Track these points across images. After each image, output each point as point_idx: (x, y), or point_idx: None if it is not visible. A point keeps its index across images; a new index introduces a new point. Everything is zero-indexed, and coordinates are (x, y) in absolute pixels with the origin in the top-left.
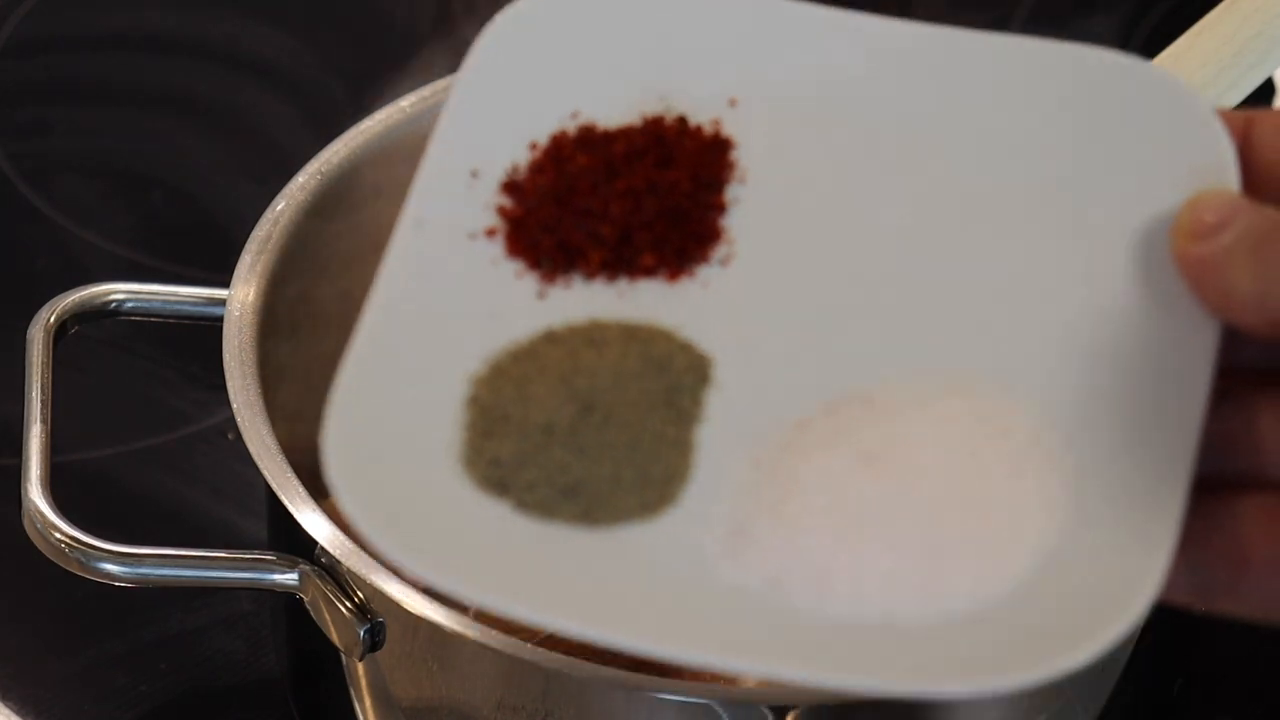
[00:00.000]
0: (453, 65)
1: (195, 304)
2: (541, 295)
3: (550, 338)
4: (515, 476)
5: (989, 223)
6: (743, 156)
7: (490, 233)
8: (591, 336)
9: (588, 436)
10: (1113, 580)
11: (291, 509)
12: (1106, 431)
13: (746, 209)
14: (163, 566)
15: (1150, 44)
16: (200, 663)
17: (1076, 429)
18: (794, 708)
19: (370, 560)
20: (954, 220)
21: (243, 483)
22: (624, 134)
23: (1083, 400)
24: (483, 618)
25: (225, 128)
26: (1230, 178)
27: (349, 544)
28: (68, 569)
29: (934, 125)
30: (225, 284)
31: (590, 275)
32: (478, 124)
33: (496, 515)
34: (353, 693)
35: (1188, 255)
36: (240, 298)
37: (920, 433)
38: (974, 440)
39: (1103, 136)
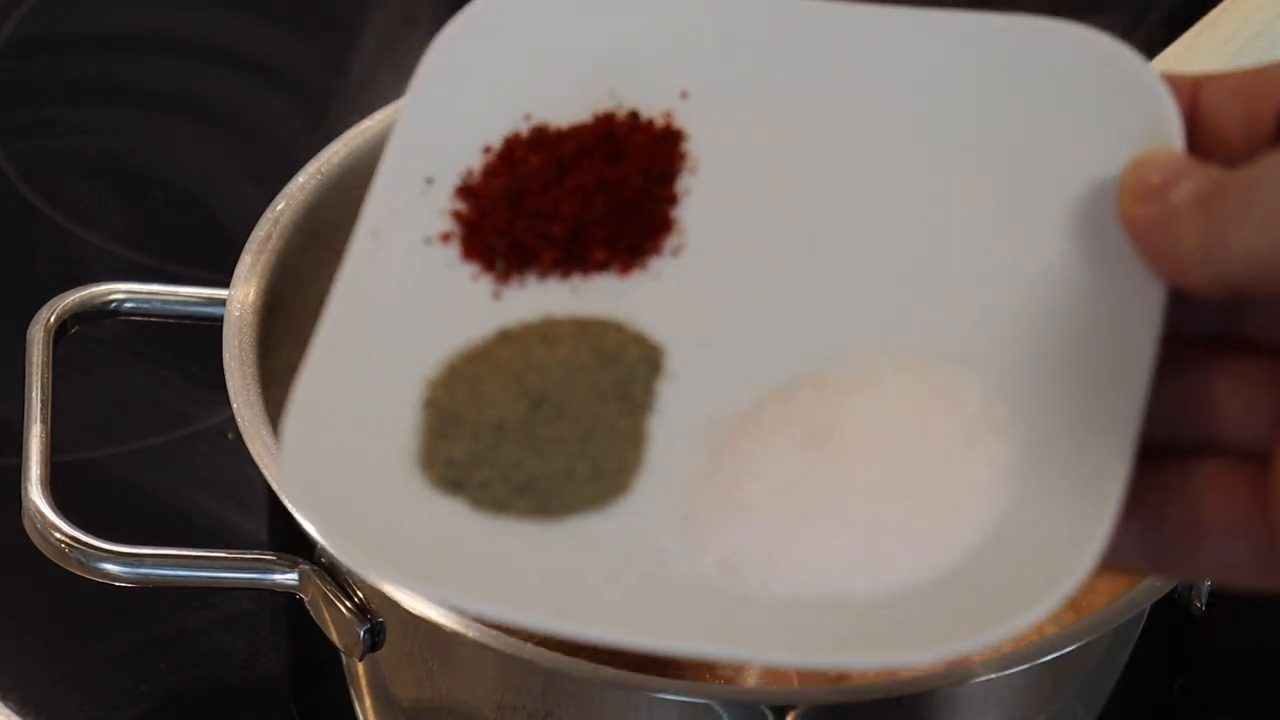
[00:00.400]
0: None
1: (195, 304)
2: (496, 296)
3: (504, 337)
4: (470, 475)
5: (936, 199)
6: (694, 147)
7: (445, 238)
8: (545, 334)
9: (539, 431)
10: (1060, 544)
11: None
12: (1054, 399)
13: (698, 199)
14: (163, 566)
15: (1150, 44)
16: (200, 663)
17: (1025, 400)
18: (794, 707)
19: None
20: (901, 199)
21: (243, 482)
22: (575, 132)
23: (1031, 369)
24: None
25: (226, 128)
26: (1175, 140)
27: None
28: (68, 569)
29: (878, 106)
30: (225, 284)
31: (544, 274)
32: (431, 131)
33: (452, 514)
34: (353, 693)
35: (1133, 216)
36: (240, 298)
37: (872, 412)
38: (925, 416)
39: (1047, 104)
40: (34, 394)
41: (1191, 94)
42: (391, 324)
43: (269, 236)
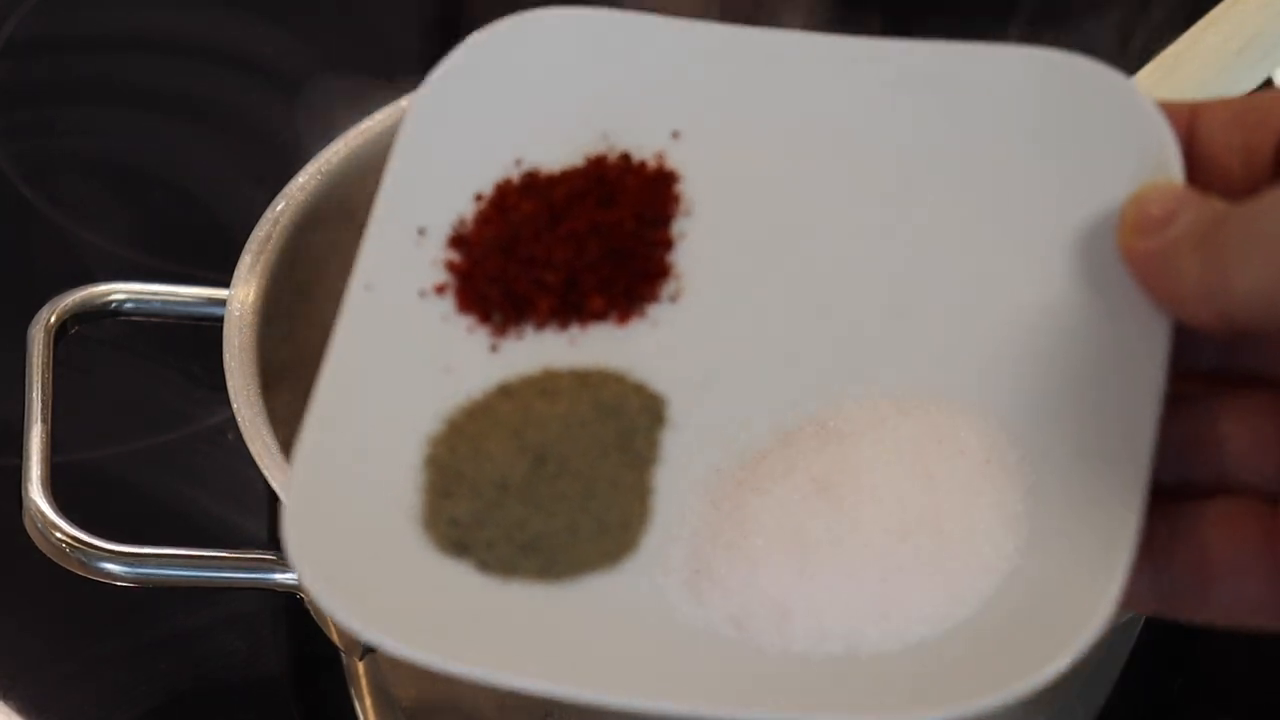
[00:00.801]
0: None
1: (196, 304)
2: (494, 348)
3: (504, 391)
4: (474, 536)
5: (935, 235)
6: (688, 188)
7: (440, 289)
8: (544, 387)
9: (542, 489)
10: (1074, 594)
11: None
12: (1061, 442)
13: (694, 242)
14: (163, 566)
15: (1150, 44)
16: (201, 662)
17: (1031, 442)
18: None
19: None
20: (899, 237)
21: (243, 482)
22: (566, 177)
23: (1036, 411)
24: None
25: (226, 128)
26: (1175, 170)
27: None
28: (68, 569)
29: (874, 142)
30: (225, 284)
31: (541, 324)
32: (421, 182)
33: (458, 577)
34: (353, 692)
35: (1134, 250)
36: (241, 298)
37: (875, 457)
38: (929, 461)
39: (1045, 136)
40: (34, 394)
41: (1189, 123)
42: (390, 379)
43: (269, 236)
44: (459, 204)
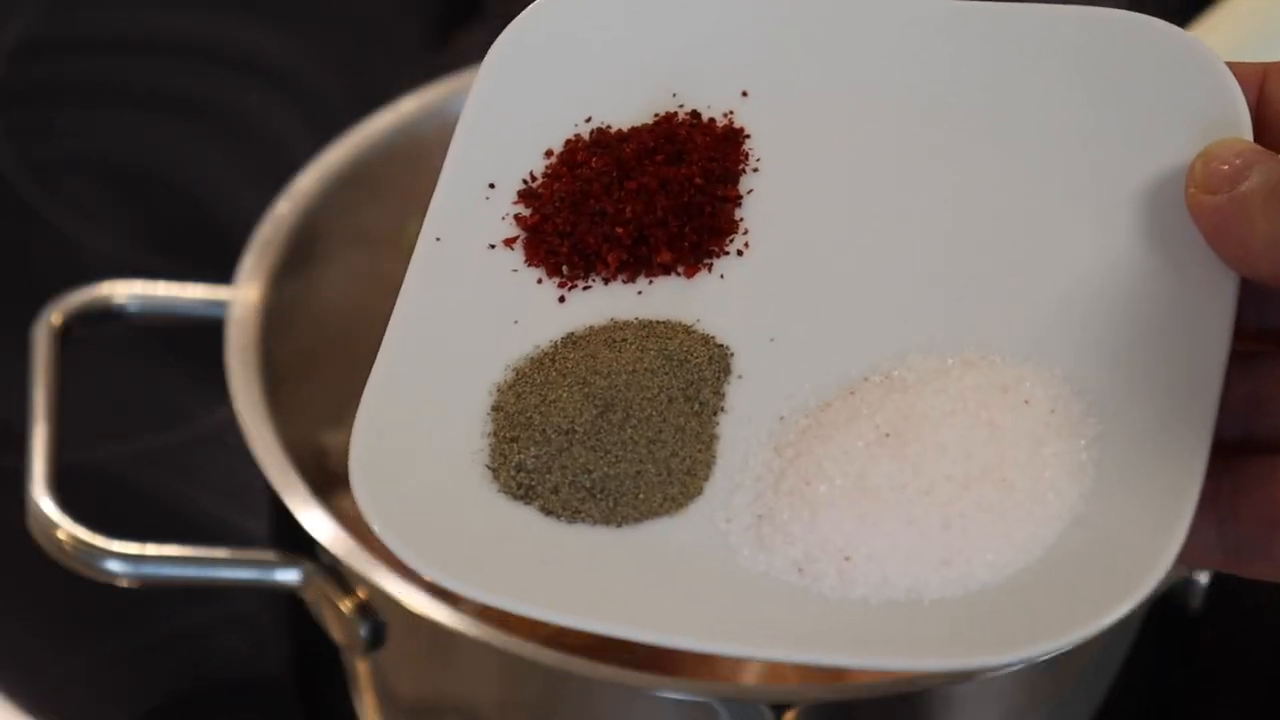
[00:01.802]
0: (452, 66)
1: (197, 304)
2: (562, 300)
3: (570, 341)
4: (540, 481)
5: (1002, 193)
6: (756, 146)
7: (509, 242)
8: (611, 337)
9: (609, 436)
10: (1136, 544)
11: (293, 508)
12: (1126, 395)
13: (761, 198)
14: (165, 565)
15: None
16: (202, 661)
17: (1096, 394)
18: (793, 706)
19: (371, 559)
20: (964, 194)
21: (244, 482)
22: (635, 133)
23: (1101, 365)
24: (484, 616)
25: (227, 129)
26: (1244, 128)
27: (350, 543)
28: (71, 568)
29: (941, 99)
30: (227, 284)
31: (609, 277)
32: (492, 137)
33: (524, 521)
34: (354, 691)
35: (1203, 206)
36: (243, 298)
37: (939, 406)
38: (994, 412)
39: (1112, 95)
40: (38, 394)
41: (1259, 83)
42: (458, 329)
43: (271, 237)
44: (528, 160)
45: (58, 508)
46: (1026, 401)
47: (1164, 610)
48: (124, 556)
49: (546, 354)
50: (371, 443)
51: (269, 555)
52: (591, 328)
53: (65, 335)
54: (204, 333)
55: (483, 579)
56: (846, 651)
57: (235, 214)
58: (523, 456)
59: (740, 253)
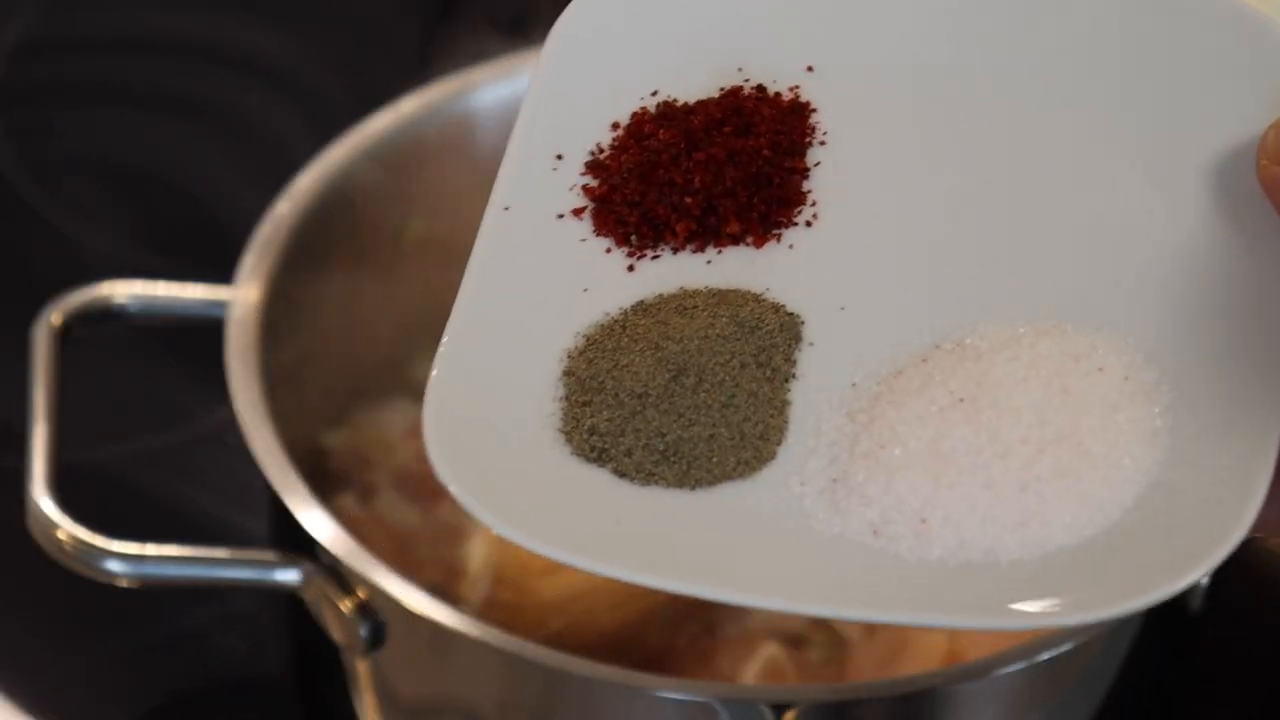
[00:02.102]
0: (452, 66)
1: (198, 304)
2: (631, 269)
3: (640, 308)
4: (613, 444)
5: (1069, 164)
6: (822, 120)
7: (577, 212)
8: (681, 304)
9: (682, 400)
10: (1210, 511)
11: (293, 508)
12: (1199, 364)
13: (829, 171)
14: (165, 565)
15: None
16: (202, 661)
17: (1169, 363)
18: (793, 706)
19: (371, 559)
20: (1034, 165)
21: (244, 482)
22: (702, 106)
23: (1174, 334)
24: (484, 616)
25: (227, 129)
26: None
27: (350, 543)
28: (71, 568)
29: (1006, 72)
30: (227, 284)
31: (677, 247)
32: (558, 109)
33: (597, 482)
34: (354, 691)
35: (1272, 177)
36: (243, 298)
37: (1013, 374)
38: (1067, 378)
39: (1183, 66)
40: (38, 394)
41: None
42: (527, 296)
43: (271, 237)
44: (595, 132)
45: (58, 508)
46: (1100, 369)
47: (1164, 610)
48: (124, 556)
49: (617, 321)
50: (443, 407)
51: (269, 555)
52: (661, 295)
53: (65, 335)
54: (204, 333)
55: (558, 538)
56: (924, 611)
57: (235, 214)
58: (595, 420)
59: (809, 224)
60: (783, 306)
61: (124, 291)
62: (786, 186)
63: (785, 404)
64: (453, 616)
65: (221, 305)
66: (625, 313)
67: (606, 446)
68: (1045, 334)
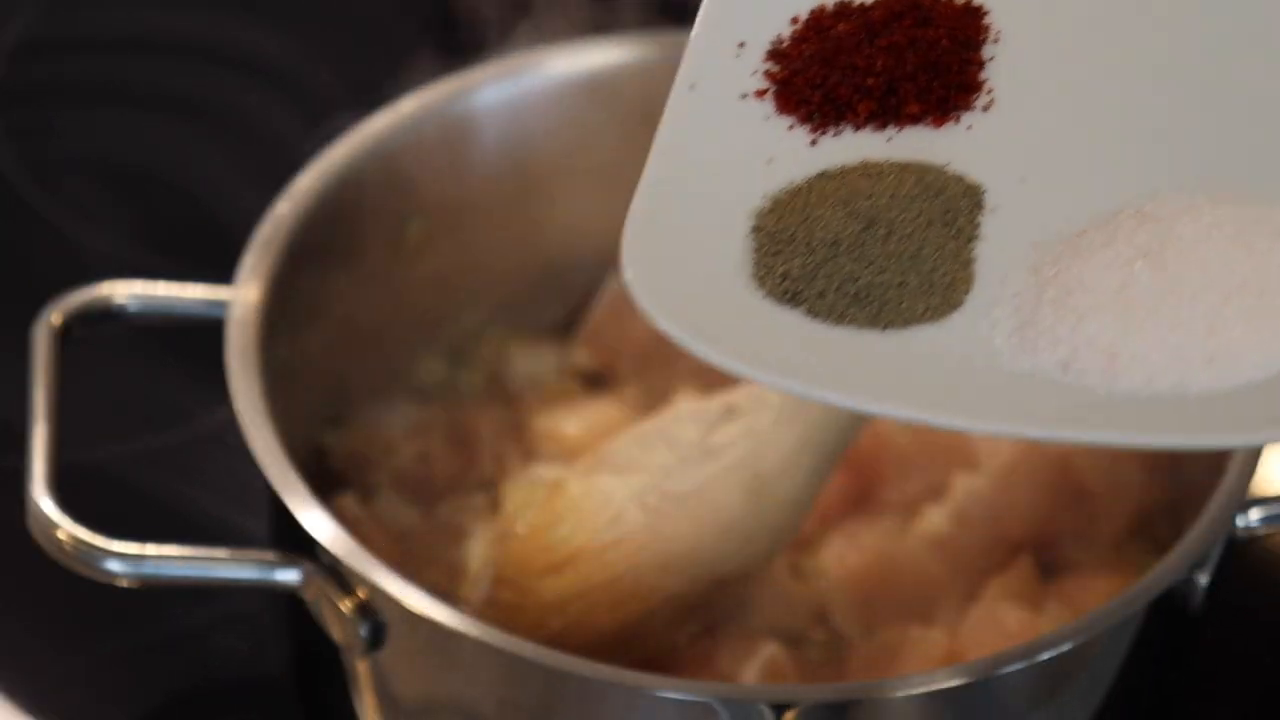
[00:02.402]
0: (452, 67)
1: (198, 304)
2: (813, 143)
3: (824, 176)
4: (806, 287)
5: (1240, 38)
6: (995, 21)
7: (760, 94)
8: (866, 171)
9: (873, 248)
10: None
11: (293, 508)
12: None
13: (1003, 64)
14: (165, 565)
15: None
16: (202, 661)
17: None
18: (793, 706)
19: (371, 559)
20: (1204, 41)
21: (244, 482)
22: (880, 3)
23: None
24: (484, 616)
25: (227, 128)
26: None
27: (350, 543)
28: (71, 568)
29: None
30: (227, 284)
31: (858, 126)
32: (738, 4)
33: (791, 321)
34: (354, 691)
35: None
36: (243, 298)
37: (1195, 233)
38: (1248, 238)
39: None
40: (38, 394)
41: None
42: (712, 166)
43: (271, 237)
44: (776, 24)
45: (58, 508)
46: (1278, 232)
47: (1164, 610)
48: (124, 556)
49: (802, 185)
50: (641, 253)
51: (269, 555)
52: (844, 166)
53: (65, 335)
54: (204, 333)
55: (758, 361)
56: (1115, 431)
57: (235, 214)
58: (788, 266)
59: (986, 109)
60: (964, 177)
61: (124, 291)
62: (965, 74)
63: (970, 260)
64: (453, 616)
65: (221, 305)
66: (810, 179)
67: (800, 290)
68: (1225, 202)
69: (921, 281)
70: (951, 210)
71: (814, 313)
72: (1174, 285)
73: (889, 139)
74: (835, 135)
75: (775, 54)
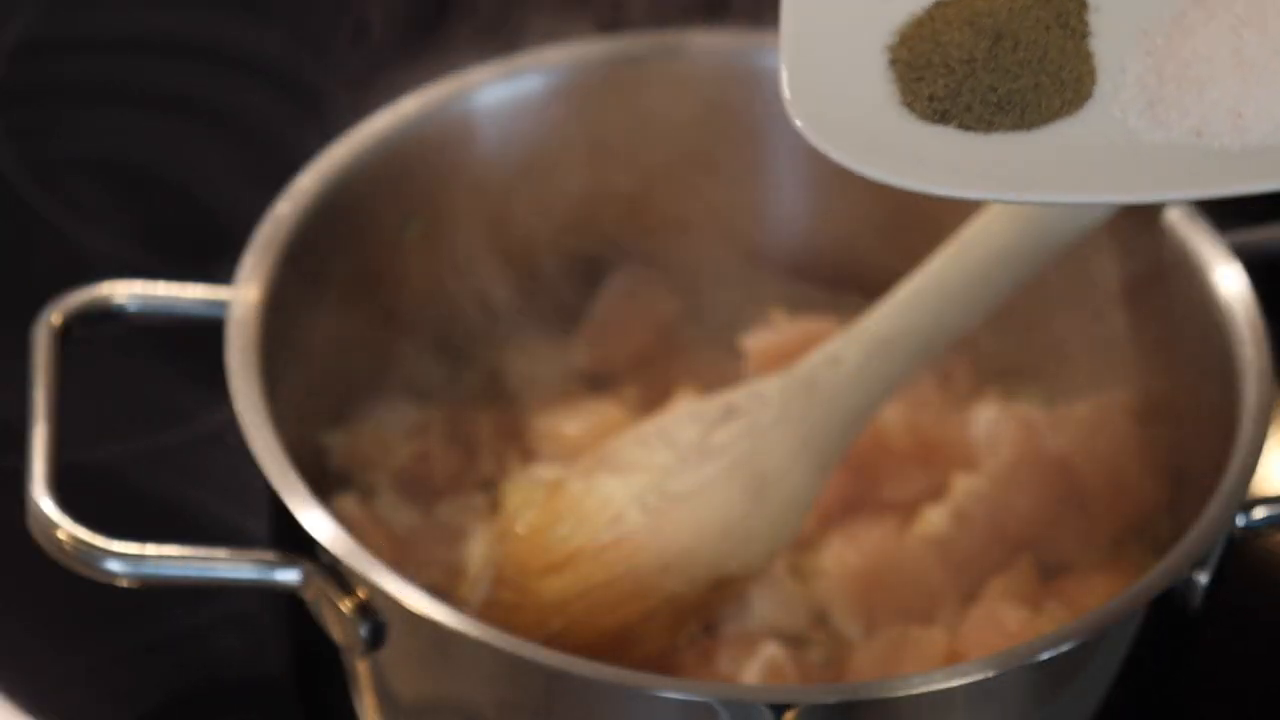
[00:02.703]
0: (452, 67)
1: (198, 304)
2: None
3: (941, 4)
4: (953, 104)
5: None
6: None
7: None
8: None
9: (1005, 59)
10: None
11: (293, 508)
12: None
13: None
14: (165, 565)
15: None
16: (202, 662)
17: None
18: (793, 707)
19: (371, 559)
20: None
21: (244, 482)
22: None
23: None
24: (484, 617)
25: (227, 128)
26: None
27: (350, 543)
28: (71, 568)
29: None
30: (227, 284)
31: None
32: None
33: (946, 136)
34: (354, 691)
35: None
36: (243, 298)
37: None
38: None
39: None
40: (38, 394)
41: None
42: (839, 11)
43: (271, 237)
44: None
45: (57, 508)
46: None
47: (1164, 612)
48: (124, 556)
49: (924, 15)
50: (802, 100)
51: (269, 555)
52: None
53: (65, 335)
54: (204, 333)
55: (934, 175)
56: (1256, 178)
57: (235, 214)
58: (933, 88)
59: None
60: None
61: (124, 291)
62: None
63: (1089, 54)
64: (453, 617)
65: (221, 305)
66: (928, 9)
67: (948, 108)
68: None
69: (1052, 81)
70: (1062, 13)
71: (965, 125)
72: (1278, 44)
73: None
74: None
75: None
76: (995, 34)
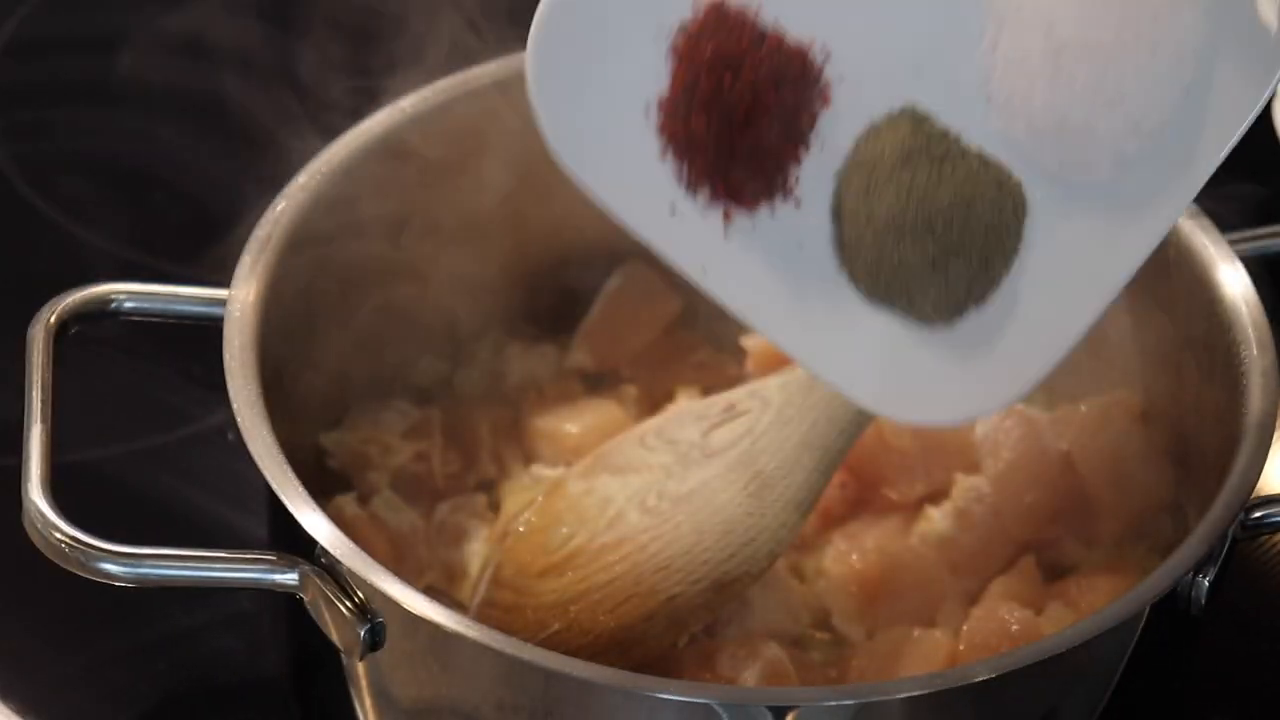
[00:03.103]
0: (451, 67)
1: (196, 304)
2: None
3: None
4: None
5: None
6: None
7: None
8: None
9: None
10: None
11: (291, 509)
12: None
13: None
14: (163, 566)
15: None
16: (200, 662)
17: None
18: (794, 707)
19: (370, 560)
20: None
21: (243, 482)
22: None
23: None
24: (483, 618)
25: (226, 128)
26: None
27: (349, 544)
28: (68, 569)
29: None
30: (225, 284)
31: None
32: None
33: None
34: (353, 692)
35: None
36: (241, 298)
37: None
38: None
39: None
40: (34, 394)
41: None
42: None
43: (269, 237)
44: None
45: (54, 508)
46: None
47: (1165, 613)
48: (121, 557)
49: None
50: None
51: (267, 556)
52: None
53: (63, 335)
54: (203, 333)
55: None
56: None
57: (234, 213)
58: None
59: None
60: None
61: (123, 291)
62: None
63: None
64: (452, 618)
65: (220, 305)
66: None
67: None
68: None
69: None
70: None
71: None
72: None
73: None
74: None
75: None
76: None
